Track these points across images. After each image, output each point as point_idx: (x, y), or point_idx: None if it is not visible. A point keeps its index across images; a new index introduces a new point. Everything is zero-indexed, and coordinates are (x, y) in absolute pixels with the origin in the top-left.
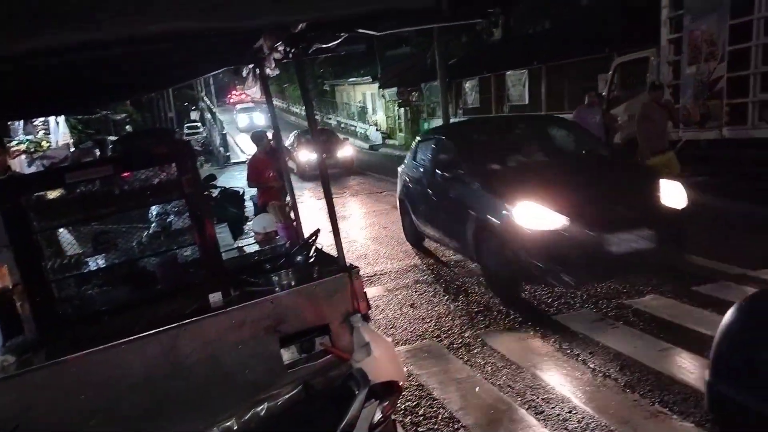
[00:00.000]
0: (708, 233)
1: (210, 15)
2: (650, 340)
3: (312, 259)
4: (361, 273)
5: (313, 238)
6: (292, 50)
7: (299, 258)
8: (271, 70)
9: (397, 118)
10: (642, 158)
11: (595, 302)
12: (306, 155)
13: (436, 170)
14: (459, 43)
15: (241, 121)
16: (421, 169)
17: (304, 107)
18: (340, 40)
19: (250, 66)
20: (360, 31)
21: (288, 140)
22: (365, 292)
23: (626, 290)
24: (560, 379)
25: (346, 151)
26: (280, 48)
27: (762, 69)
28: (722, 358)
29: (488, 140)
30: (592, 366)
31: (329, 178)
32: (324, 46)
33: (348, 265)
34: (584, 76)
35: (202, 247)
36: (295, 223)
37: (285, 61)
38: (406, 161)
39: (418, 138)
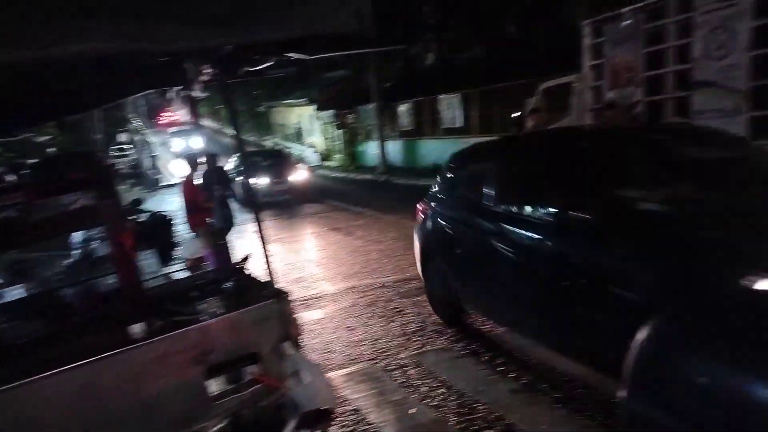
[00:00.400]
0: None
1: (125, 37)
2: None
3: (241, 286)
4: (297, 296)
5: (243, 263)
6: (220, 73)
7: (228, 284)
8: (198, 93)
9: (334, 140)
10: None
11: None
12: (254, 180)
13: (517, 209)
14: (394, 67)
15: (176, 146)
16: (475, 206)
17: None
18: (269, 64)
19: (177, 88)
20: (289, 54)
21: (231, 163)
22: (296, 318)
23: None
24: (495, 397)
25: (299, 174)
26: (207, 71)
27: (675, 93)
28: (635, 375)
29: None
30: (525, 381)
31: (283, 204)
32: (253, 69)
33: (278, 290)
34: (514, 101)
35: (123, 276)
36: (223, 250)
37: (213, 83)
38: (433, 190)
39: (457, 156)
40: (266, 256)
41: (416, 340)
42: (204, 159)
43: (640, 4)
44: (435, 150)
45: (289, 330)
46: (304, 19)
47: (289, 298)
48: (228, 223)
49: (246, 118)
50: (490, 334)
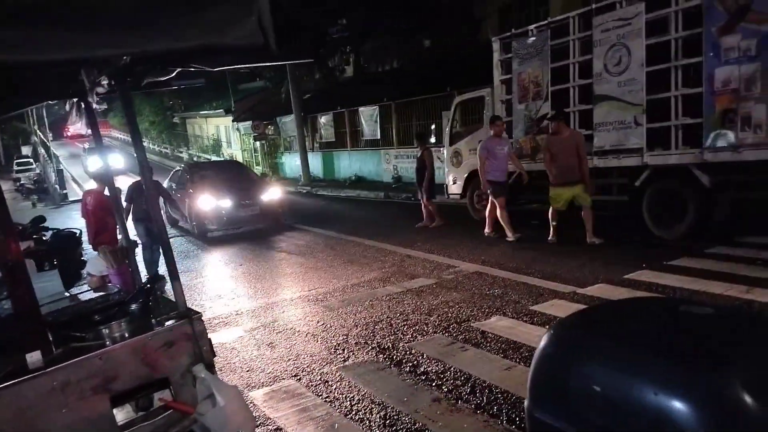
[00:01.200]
0: (541, 256)
1: (4, 44)
2: (497, 360)
3: (148, 307)
4: (217, 313)
5: (152, 283)
6: (117, 84)
7: (134, 306)
8: (96, 105)
9: (253, 151)
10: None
11: (446, 327)
12: (210, 201)
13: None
14: (313, 78)
15: (92, 164)
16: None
17: (151, 140)
18: (173, 75)
19: (74, 99)
20: (193, 66)
21: (168, 179)
22: (209, 339)
23: (474, 313)
24: (416, 407)
25: (272, 193)
26: (104, 82)
27: (580, 107)
28: (538, 384)
29: None
30: (446, 390)
31: (253, 231)
32: (155, 80)
33: (189, 310)
34: (430, 113)
35: (16, 300)
36: (130, 269)
37: (111, 94)
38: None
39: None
40: (176, 275)
41: (339, 354)
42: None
43: (545, 22)
44: (356, 161)
45: (201, 352)
46: (202, 30)
47: (202, 318)
48: (150, 241)
49: (160, 128)
50: (409, 344)
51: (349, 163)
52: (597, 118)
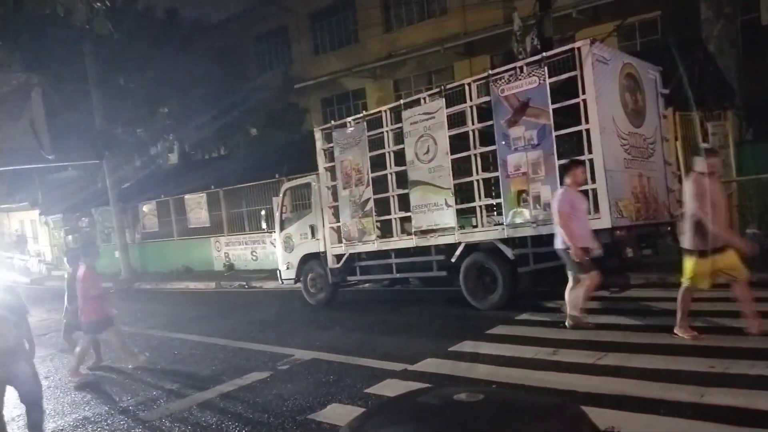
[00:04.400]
0: (372, 336)
1: None
2: None
3: None
4: None
5: None
6: None
7: None
8: None
9: (64, 246)
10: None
11: (281, 424)
12: None
13: None
14: (132, 166)
15: None
16: None
17: None
18: None
19: None
20: None
21: None
22: None
23: (310, 404)
24: None
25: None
26: None
27: (398, 191)
28: None
29: None
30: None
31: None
32: None
33: None
34: (260, 200)
35: None
36: None
37: None
38: None
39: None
40: None
41: None
42: None
43: (360, 115)
44: (184, 251)
45: None
46: None
47: None
48: None
49: None
50: None
51: (176, 253)
52: (413, 201)
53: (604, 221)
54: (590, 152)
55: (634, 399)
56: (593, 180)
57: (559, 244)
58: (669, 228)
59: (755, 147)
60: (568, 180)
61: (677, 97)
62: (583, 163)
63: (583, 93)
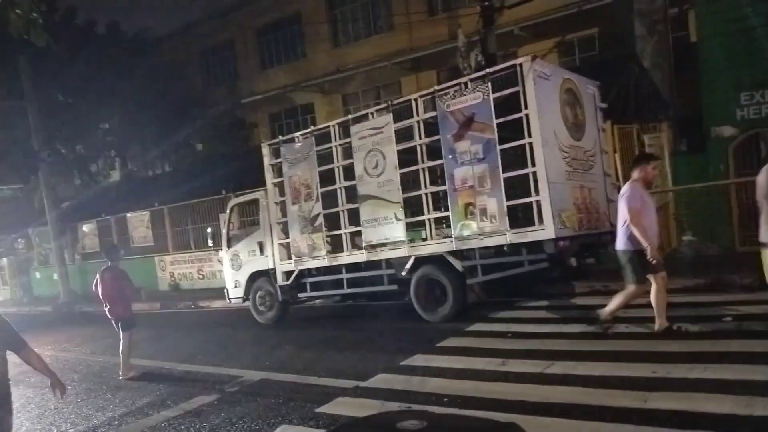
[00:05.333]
0: (324, 353)
1: None
2: None
3: None
4: None
5: None
6: None
7: None
8: None
9: None
10: None
11: None
12: None
13: None
14: (72, 185)
15: None
16: None
17: None
18: None
19: None
20: None
21: None
22: None
23: (259, 427)
24: None
25: None
26: None
27: (348, 206)
28: None
29: None
30: None
31: None
32: None
33: None
34: (207, 216)
35: None
36: None
37: None
38: None
39: None
40: None
41: None
42: None
43: (309, 130)
44: (128, 271)
45: None
46: None
47: None
48: None
49: None
50: None
51: None
52: (363, 215)
53: (548, 232)
54: (533, 165)
55: (581, 407)
56: (536, 192)
57: (621, 245)
58: (610, 237)
59: (688, 158)
60: (636, 174)
61: (615, 111)
62: (656, 158)
63: (526, 108)
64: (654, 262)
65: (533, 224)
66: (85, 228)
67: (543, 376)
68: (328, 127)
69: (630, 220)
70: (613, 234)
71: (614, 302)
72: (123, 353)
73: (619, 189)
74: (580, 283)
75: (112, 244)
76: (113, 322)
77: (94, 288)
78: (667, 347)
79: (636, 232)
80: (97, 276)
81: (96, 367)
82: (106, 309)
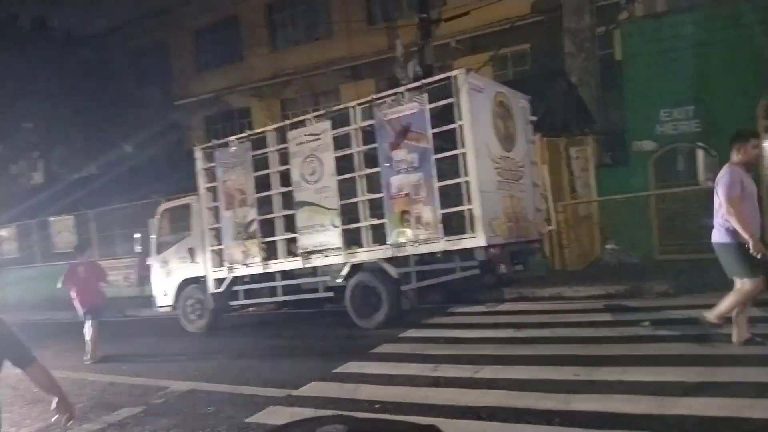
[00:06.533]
0: (258, 361)
1: None
2: None
3: None
4: None
5: None
6: None
7: None
8: None
9: None
10: None
11: None
12: None
13: None
14: None
15: None
16: None
17: None
18: None
19: None
20: None
21: None
22: None
23: None
24: None
25: None
26: None
27: (284, 212)
28: None
29: None
30: None
31: None
32: None
33: None
34: (135, 221)
35: None
36: None
37: None
38: None
39: None
40: None
41: None
42: None
43: (245, 135)
44: (49, 278)
45: None
46: None
47: None
48: None
49: None
50: None
51: (39, 281)
52: (300, 222)
53: (480, 240)
54: (466, 175)
55: (507, 410)
56: (469, 201)
57: (718, 236)
58: (538, 245)
59: (612, 170)
60: (735, 156)
61: (544, 124)
62: (756, 134)
63: (460, 119)
64: (759, 256)
65: (466, 232)
66: (3, 232)
67: (473, 381)
68: (265, 132)
69: (727, 210)
70: (540, 242)
71: (725, 303)
72: (93, 340)
73: (546, 199)
74: (510, 289)
75: (81, 241)
76: (82, 311)
77: (61, 284)
78: (590, 351)
79: (735, 223)
80: (67, 271)
81: (11, 379)
82: (77, 299)
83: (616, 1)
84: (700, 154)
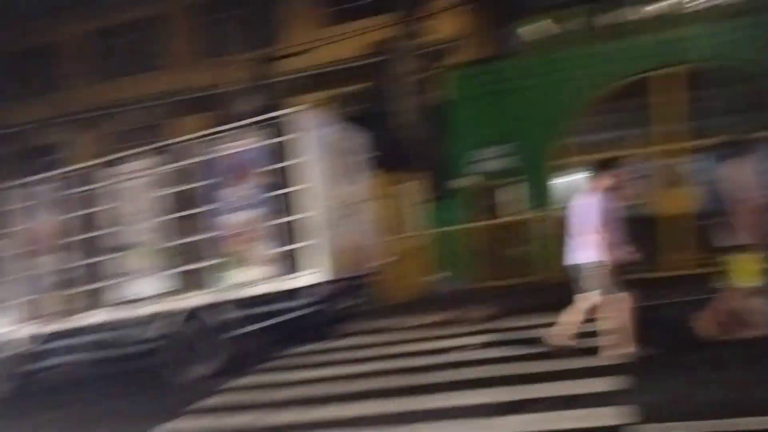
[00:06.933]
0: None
1: None
2: None
3: None
4: None
5: None
6: None
7: None
8: None
9: None
10: None
11: None
12: None
13: None
14: None
15: None
16: None
17: None
18: None
19: None
20: None
21: None
22: None
23: None
24: None
25: None
26: None
27: (100, 258)
28: None
29: None
30: None
31: None
32: None
33: None
34: None
35: None
36: None
37: None
38: None
39: None
40: None
41: None
42: None
43: (61, 171)
44: None
45: None
46: None
47: None
48: None
49: None
50: None
51: None
52: (119, 267)
53: (318, 276)
54: (303, 211)
55: None
56: (307, 237)
57: (582, 258)
58: (374, 279)
59: (444, 203)
60: (598, 183)
61: (379, 161)
62: (619, 161)
63: (298, 155)
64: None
65: (303, 269)
66: None
67: (307, 425)
68: (87, 167)
69: (597, 232)
70: (376, 275)
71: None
72: None
73: (380, 234)
74: (346, 324)
75: None
76: None
77: None
78: (424, 379)
79: (595, 245)
80: None
81: None
82: None
83: (443, 47)
84: (519, 187)
